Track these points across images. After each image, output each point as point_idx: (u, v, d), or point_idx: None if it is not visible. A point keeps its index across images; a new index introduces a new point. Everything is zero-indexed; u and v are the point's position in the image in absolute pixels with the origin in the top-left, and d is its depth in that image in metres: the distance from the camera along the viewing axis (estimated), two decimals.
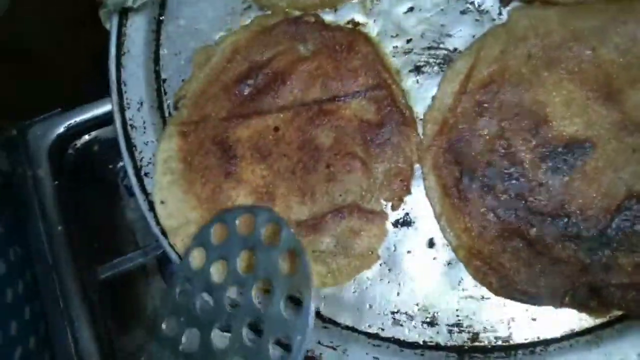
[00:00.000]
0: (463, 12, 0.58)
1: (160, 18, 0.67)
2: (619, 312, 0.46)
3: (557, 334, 0.48)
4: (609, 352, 0.44)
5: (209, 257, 0.50)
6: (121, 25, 0.65)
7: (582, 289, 0.47)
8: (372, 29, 0.60)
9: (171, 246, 0.57)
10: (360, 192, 0.55)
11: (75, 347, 0.65)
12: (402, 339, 0.52)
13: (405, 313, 0.53)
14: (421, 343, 0.51)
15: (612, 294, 0.45)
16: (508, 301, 0.50)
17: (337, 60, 0.59)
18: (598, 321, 0.47)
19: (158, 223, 0.59)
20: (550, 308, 0.48)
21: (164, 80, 0.66)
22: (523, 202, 0.50)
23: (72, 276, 0.65)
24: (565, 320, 0.48)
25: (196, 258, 0.52)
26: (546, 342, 0.48)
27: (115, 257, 0.71)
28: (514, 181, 0.50)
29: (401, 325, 0.52)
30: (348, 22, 0.61)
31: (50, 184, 0.69)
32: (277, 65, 0.60)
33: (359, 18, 0.61)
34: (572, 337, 0.47)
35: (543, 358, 0.47)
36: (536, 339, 0.48)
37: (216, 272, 0.50)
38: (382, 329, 0.53)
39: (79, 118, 0.73)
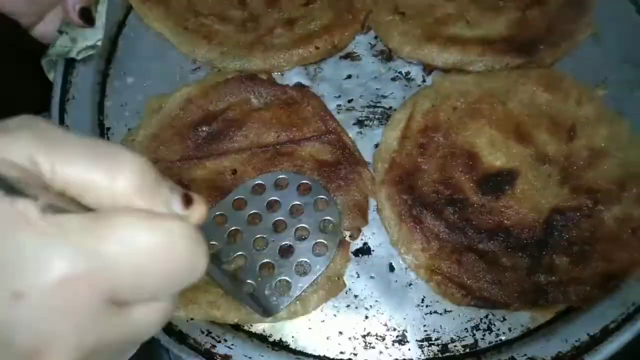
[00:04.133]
0: (394, 79, 0.68)
1: (107, 72, 0.68)
2: (564, 306, 0.53)
3: (516, 334, 0.52)
4: (564, 338, 0.50)
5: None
6: (67, 74, 0.65)
7: (530, 291, 0.53)
8: (317, 90, 0.68)
9: None
10: None
11: None
12: None
13: (376, 335, 0.53)
14: None
15: (555, 290, 0.52)
16: (469, 312, 0.54)
17: (289, 111, 0.65)
18: (548, 316, 0.53)
19: None
20: (504, 312, 0.53)
21: (108, 129, 0.65)
22: (469, 222, 0.57)
23: None
24: (520, 320, 0.53)
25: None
26: (508, 342, 0.52)
27: None
28: (458, 205, 0.58)
29: (373, 347, 0.53)
30: (294, 85, 0.68)
31: None
32: (232, 114, 0.64)
33: (304, 81, 0.69)
34: (530, 334, 0.52)
35: (509, 354, 0.50)
36: (499, 341, 0.52)
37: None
38: (355, 354, 0.53)
39: None
